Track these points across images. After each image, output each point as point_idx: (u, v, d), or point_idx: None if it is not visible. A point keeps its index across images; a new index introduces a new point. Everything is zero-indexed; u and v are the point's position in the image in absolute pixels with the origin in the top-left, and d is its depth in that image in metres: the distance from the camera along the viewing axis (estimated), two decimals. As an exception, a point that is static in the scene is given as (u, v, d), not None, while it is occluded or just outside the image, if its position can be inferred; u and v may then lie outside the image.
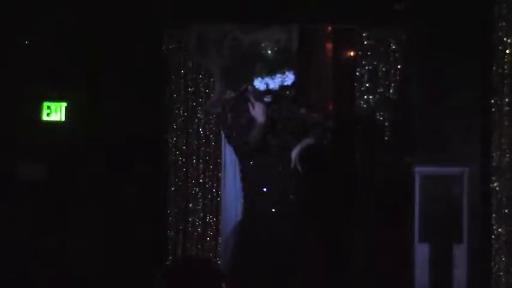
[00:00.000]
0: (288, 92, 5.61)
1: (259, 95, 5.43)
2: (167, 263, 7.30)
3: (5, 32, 7.08)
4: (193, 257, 7.34)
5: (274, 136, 5.54)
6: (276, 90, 5.43)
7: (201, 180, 7.41)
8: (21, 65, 7.13)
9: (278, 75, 5.39)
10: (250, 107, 5.40)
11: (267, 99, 5.46)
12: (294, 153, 5.52)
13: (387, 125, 7.24)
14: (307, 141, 5.57)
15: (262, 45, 5.60)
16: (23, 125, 7.17)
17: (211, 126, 7.40)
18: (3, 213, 7.00)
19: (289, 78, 5.44)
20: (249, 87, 5.50)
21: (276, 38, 7.02)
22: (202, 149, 7.42)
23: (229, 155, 7.18)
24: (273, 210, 5.50)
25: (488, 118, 6.73)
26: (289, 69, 5.44)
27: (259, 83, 5.39)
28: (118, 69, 7.16)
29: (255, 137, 5.42)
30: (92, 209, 7.08)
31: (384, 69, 7.26)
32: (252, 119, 5.44)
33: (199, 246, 7.39)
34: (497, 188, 6.68)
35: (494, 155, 6.69)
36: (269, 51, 5.49)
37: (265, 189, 5.52)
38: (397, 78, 7.25)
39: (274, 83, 5.40)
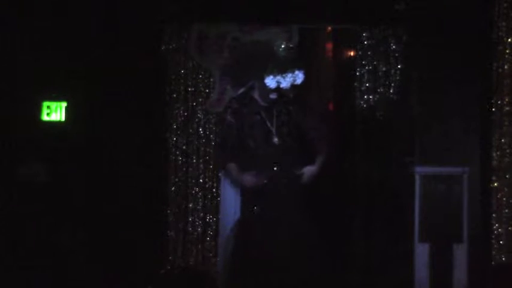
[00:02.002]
0: (291, 94, 5.65)
1: (267, 92, 5.46)
2: (161, 271, 7.26)
3: (4, 32, 7.09)
4: (188, 267, 7.30)
5: (278, 137, 5.56)
6: (285, 89, 5.47)
7: (201, 180, 7.41)
8: (21, 65, 7.14)
9: (289, 74, 5.43)
10: (245, 178, 5.48)
11: (273, 96, 5.50)
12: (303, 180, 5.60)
13: (387, 125, 7.24)
14: (311, 170, 5.63)
15: (275, 43, 5.64)
16: (23, 125, 7.17)
17: (211, 126, 7.39)
18: (3, 213, 7.00)
19: (299, 77, 5.49)
20: (256, 84, 5.52)
21: (277, 38, 7.01)
22: (202, 149, 7.41)
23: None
24: (272, 209, 5.51)
25: (488, 118, 6.73)
26: (298, 69, 5.48)
27: (270, 81, 5.43)
28: (118, 69, 7.15)
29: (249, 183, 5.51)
30: (92, 209, 7.08)
31: (384, 69, 7.25)
32: (252, 126, 5.49)
33: (199, 246, 7.38)
34: (497, 188, 6.69)
35: (494, 155, 6.70)
36: (281, 50, 5.53)
37: (264, 188, 5.53)
38: (397, 78, 7.24)
39: (285, 81, 5.44)
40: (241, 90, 5.73)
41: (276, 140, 5.57)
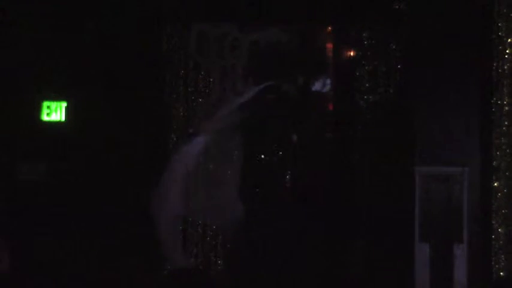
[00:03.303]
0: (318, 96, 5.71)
1: (299, 89, 5.51)
2: (161, 272, 7.26)
3: (5, 32, 7.10)
4: (190, 268, 7.29)
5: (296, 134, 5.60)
6: (319, 91, 5.53)
7: (201, 180, 7.40)
8: (21, 65, 7.15)
9: (327, 78, 5.51)
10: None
11: (303, 94, 5.55)
12: None
13: (387, 125, 7.24)
14: None
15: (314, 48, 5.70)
16: (23, 125, 7.18)
17: (211, 126, 7.39)
18: (3, 213, 7.00)
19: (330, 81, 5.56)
20: (290, 80, 5.56)
21: (276, 39, 7.02)
22: (202, 149, 7.41)
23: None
24: (271, 208, 5.53)
25: (488, 118, 6.74)
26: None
27: (319, 84, 5.48)
28: (118, 69, 7.16)
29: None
30: (92, 209, 7.08)
31: (384, 69, 7.25)
32: (275, 117, 5.53)
33: (199, 246, 7.38)
34: (497, 188, 6.69)
35: (494, 155, 6.70)
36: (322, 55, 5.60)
37: (261, 189, 5.54)
38: (397, 78, 7.24)
39: (326, 84, 5.51)
40: (273, 82, 5.72)
41: (295, 137, 5.60)
